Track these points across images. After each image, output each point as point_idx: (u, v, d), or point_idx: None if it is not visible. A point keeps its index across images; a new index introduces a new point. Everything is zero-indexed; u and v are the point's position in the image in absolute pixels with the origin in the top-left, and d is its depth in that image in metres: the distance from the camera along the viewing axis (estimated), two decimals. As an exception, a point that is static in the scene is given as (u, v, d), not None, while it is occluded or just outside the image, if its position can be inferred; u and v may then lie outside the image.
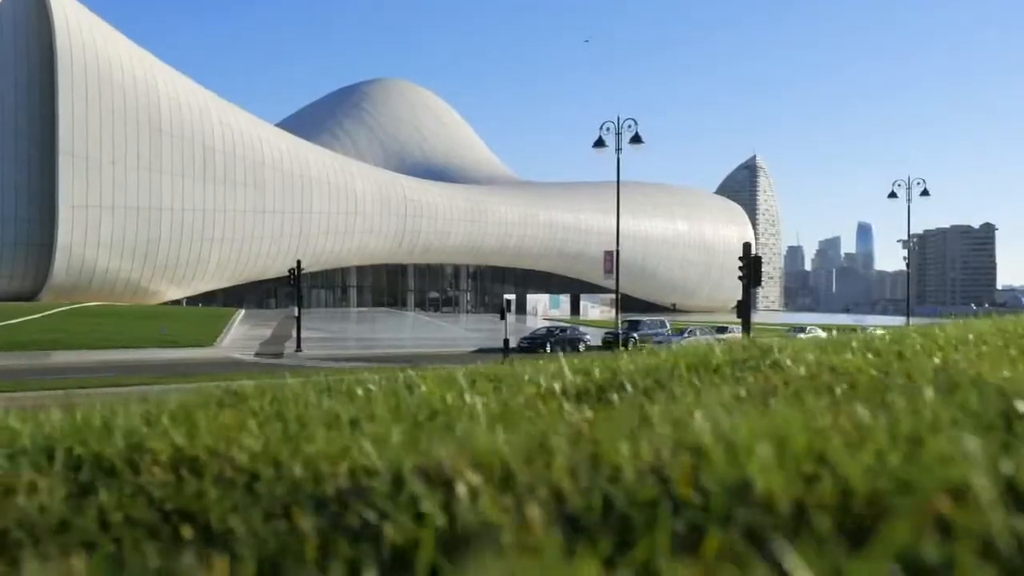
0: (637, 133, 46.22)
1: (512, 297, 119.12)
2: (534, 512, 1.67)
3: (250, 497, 2.05)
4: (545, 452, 2.07)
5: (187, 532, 1.91)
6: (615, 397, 3.36)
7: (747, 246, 37.17)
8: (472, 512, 1.74)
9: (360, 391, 3.99)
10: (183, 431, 2.71)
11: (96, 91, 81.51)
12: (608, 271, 49.78)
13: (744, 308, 36.39)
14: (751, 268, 35.70)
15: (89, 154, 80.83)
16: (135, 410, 3.59)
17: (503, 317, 49.34)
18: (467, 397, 3.46)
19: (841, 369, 3.62)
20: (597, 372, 4.10)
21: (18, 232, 79.25)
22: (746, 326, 35.59)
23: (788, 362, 3.97)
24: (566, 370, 4.19)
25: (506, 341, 46.21)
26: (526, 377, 4.20)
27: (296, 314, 51.71)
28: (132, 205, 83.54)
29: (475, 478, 1.90)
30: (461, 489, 1.84)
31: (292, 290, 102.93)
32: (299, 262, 54.32)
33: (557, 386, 3.67)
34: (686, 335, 55.62)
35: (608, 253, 50.86)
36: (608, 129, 47.00)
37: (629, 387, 3.57)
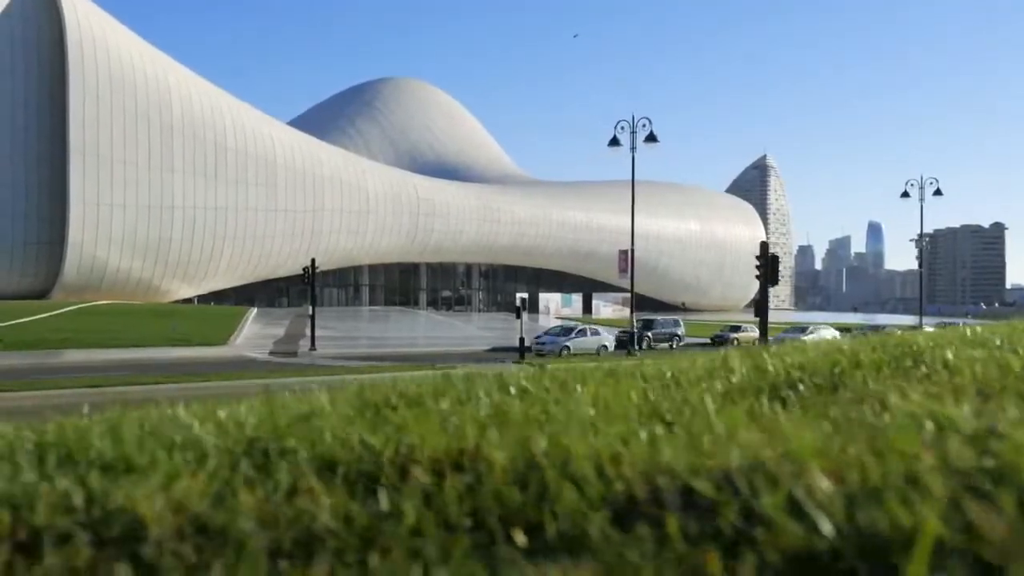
0: (652, 132, 45.99)
1: (524, 296, 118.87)
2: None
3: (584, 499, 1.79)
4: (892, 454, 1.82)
5: (521, 539, 1.64)
6: (792, 396, 3.08)
7: (764, 245, 36.78)
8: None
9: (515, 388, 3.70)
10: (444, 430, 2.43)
11: (107, 89, 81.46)
12: (623, 270, 49.56)
13: (762, 307, 36.02)
14: (768, 267, 35.35)
15: (100, 152, 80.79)
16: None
17: (519, 316, 48.96)
18: (650, 395, 3.19)
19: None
20: (744, 370, 3.81)
21: (28, 230, 79.24)
22: (764, 325, 35.29)
23: (950, 358, 3.69)
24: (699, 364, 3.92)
25: (522, 340, 45.86)
26: (668, 374, 3.93)
27: (310, 313, 51.40)
28: (143, 203, 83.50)
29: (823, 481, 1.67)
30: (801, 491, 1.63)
31: (304, 288, 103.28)
32: (313, 260, 54.12)
33: (720, 385, 3.39)
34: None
35: (623, 252, 50.62)
36: (623, 128, 46.79)
37: (801, 386, 3.28)
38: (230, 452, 2.41)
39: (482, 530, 1.70)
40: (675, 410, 2.79)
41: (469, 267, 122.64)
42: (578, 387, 3.63)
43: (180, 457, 2.34)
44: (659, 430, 2.29)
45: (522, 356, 43.35)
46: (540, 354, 45.91)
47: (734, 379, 3.56)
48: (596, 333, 53.69)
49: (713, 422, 2.38)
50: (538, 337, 53.61)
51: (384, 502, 1.84)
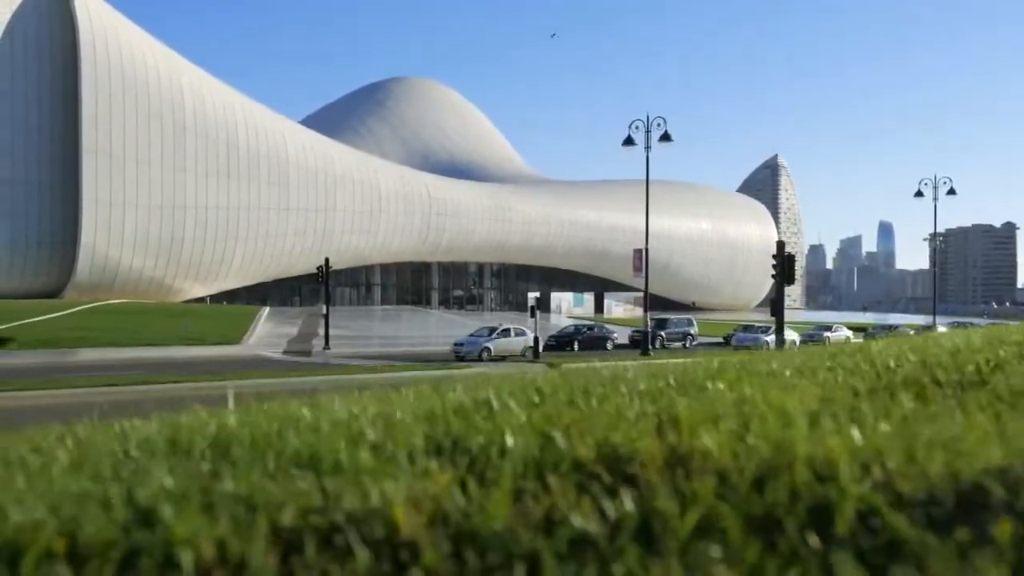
0: (667, 131, 45.82)
1: (536, 295, 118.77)
2: None
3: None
4: None
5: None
6: (937, 393, 2.96)
7: (780, 244, 36.61)
8: None
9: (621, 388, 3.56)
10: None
11: (120, 88, 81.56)
12: (638, 269, 49.34)
13: (778, 306, 35.83)
14: (785, 266, 35.16)
15: (113, 152, 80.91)
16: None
17: (533, 315, 48.72)
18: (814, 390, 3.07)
19: None
20: (867, 366, 3.68)
21: (41, 230, 79.40)
22: (780, 325, 35.09)
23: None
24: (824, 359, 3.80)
25: (536, 339, 45.69)
26: (787, 372, 3.81)
27: (324, 312, 51.30)
28: (156, 203, 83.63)
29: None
30: None
31: (316, 288, 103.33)
32: (327, 259, 54.01)
33: (859, 383, 3.27)
34: (833, 331, 57.33)
35: (637, 251, 50.40)
36: (637, 127, 46.63)
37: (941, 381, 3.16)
38: (438, 448, 2.29)
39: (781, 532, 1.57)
40: (873, 406, 2.66)
41: (481, 266, 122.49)
42: (709, 384, 3.48)
43: (392, 455, 2.20)
44: (884, 426, 2.17)
45: (536, 355, 43.20)
46: (459, 357, 42.61)
47: (871, 373, 3.43)
48: (522, 333, 47.81)
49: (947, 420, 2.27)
50: (550, 336, 53.35)
51: (647, 502, 1.70)
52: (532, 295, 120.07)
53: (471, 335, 48.25)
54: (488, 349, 44.22)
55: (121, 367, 36.09)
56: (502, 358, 43.88)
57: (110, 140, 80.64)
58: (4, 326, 48.85)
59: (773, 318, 37.83)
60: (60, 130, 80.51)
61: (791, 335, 56.65)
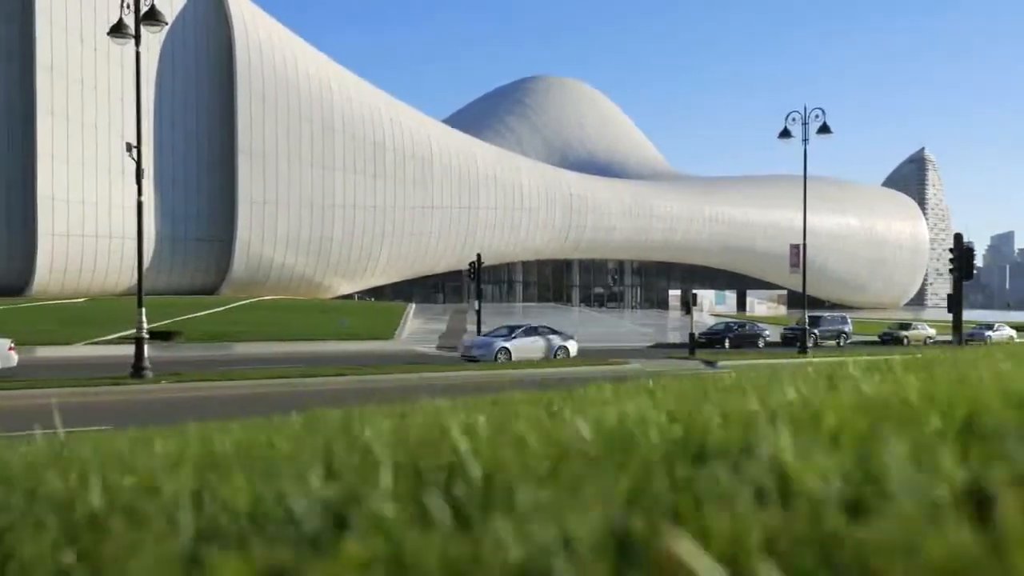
0: (825, 123, 44.32)
1: (677, 292, 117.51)
2: None
3: None
4: None
5: None
6: None
7: (958, 237, 34.89)
8: None
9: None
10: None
11: (272, 91, 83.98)
12: (794, 265, 47.94)
13: (956, 303, 34.13)
14: (963, 261, 33.44)
15: (266, 152, 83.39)
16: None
17: (688, 311, 47.72)
18: None
19: None
20: None
21: (200, 228, 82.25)
22: (958, 322, 33.40)
23: None
24: None
25: (692, 335, 44.81)
26: None
27: (476, 308, 51.47)
28: (306, 202, 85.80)
29: None
30: None
31: (459, 285, 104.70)
32: (479, 256, 54.08)
33: None
34: (995, 330, 55.35)
35: (794, 247, 49.02)
36: (794, 119, 45.22)
37: None
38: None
39: None
40: None
41: (621, 263, 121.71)
42: None
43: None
44: None
45: (692, 352, 42.36)
46: (471, 359, 36.77)
47: None
48: (552, 333, 40.76)
49: None
50: (701, 334, 51.35)
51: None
52: (673, 292, 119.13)
53: (487, 334, 41.93)
54: (507, 351, 37.57)
55: (283, 361, 36.80)
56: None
57: (263, 141, 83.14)
58: (169, 321, 50.62)
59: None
60: (217, 132, 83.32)
61: (1006, 331, 54.65)
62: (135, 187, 26.48)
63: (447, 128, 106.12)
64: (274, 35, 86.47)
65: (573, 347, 40.13)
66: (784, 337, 56.04)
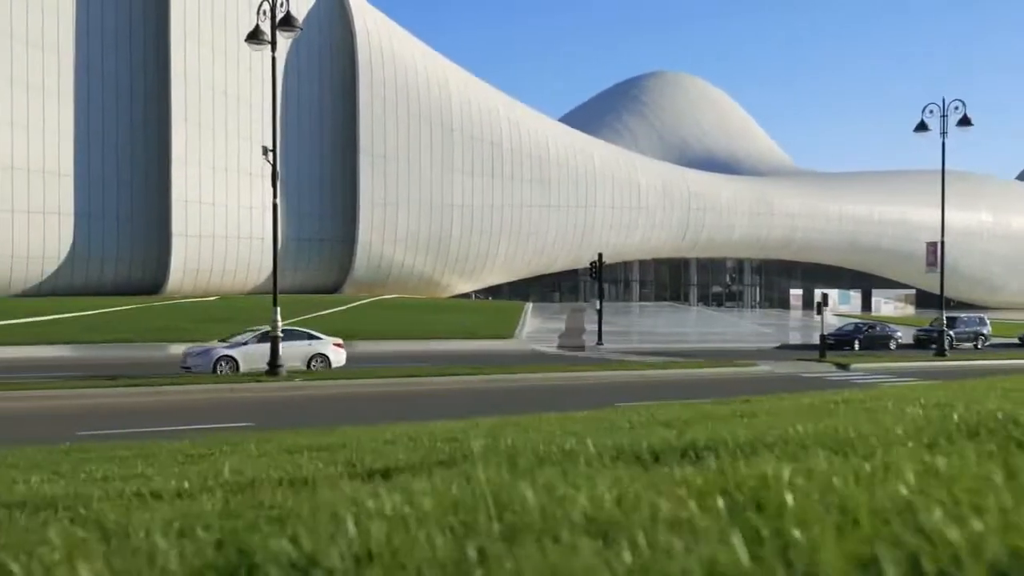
0: (965, 115, 42.91)
1: (798, 292, 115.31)
2: None
3: None
4: None
5: None
6: None
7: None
8: None
9: None
10: None
11: (393, 92, 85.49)
12: (931, 264, 46.57)
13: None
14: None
15: (387, 154, 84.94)
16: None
17: (819, 312, 46.43)
18: None
19: None
20: None
21: (323, 228, 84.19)
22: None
23: None
24: None
25: (823, 337, 43.75)
26: None
27: (597, 307, 51.38)
28: (425, 202, 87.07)
29: None
30: None
31: (575, 284, 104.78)
32: (600, 255, 53.93)
33: None
34: None
35: (931, 245, 47.65)
36: (932, 112, 43.91)
37: None
38: None
39: None
40: None
41: (740, 262, 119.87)
42: None
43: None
44: None
45: (823, 354, 41.44)
46: (186, 369, 29.98)
47: None
48: (303, 338, 33.08)
49: None
50: (829, 335, 49.67)
51: None
52: (794, 291, 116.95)
53: (218, 342, 32.70)
54: (231, 360, 30.37)
55: (406, 359, 37.39)
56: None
57: (384, 142, 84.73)
58: (296, 319, 51.94)
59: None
60: (339, 134, 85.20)
61: None
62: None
63: (564, 127, 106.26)
64: (394, 37, 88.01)
65: (337, 355, 32.80)
66: (917, 339, 54.37)
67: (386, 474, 4.14)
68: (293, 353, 30.98)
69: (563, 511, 2.12)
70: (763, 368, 34.23)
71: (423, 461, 4.41)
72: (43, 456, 8.04)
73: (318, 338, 33.31)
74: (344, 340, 45.78)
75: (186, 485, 3.97)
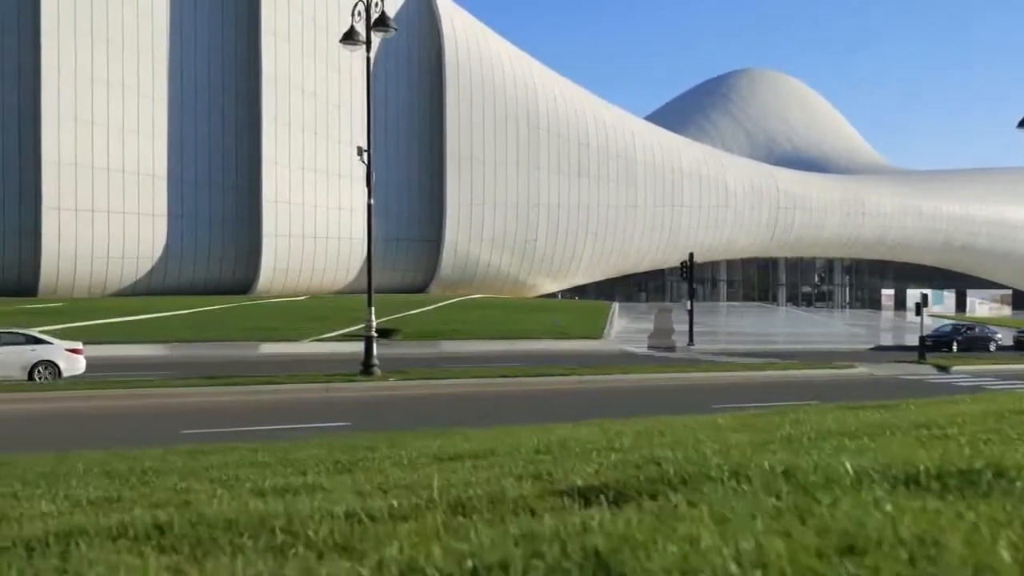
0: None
1: (890, 292, 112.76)
2: None
3: None
4: None
5: None
6: None
7: None
8: None
9: None
10: None
11: (480, 93, 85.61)
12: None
13: None
14: None
15: (473, 154, 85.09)
16: None
17: (919, 313, 44.94)
18: None
19: None
20: None
21: (411, 229, 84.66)
22: None
23: None
24: None
25: (922, 339, 42.40)
26: None
27: (688, 308, 50.71)
28: (512, 202, 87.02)
29: None
30: None
31: (661, 284, 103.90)
32: (691, 255, 53.24)
33: None
34: None
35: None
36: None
37: None
38: None
39: None
40: None
41: (830, 262, 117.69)
42: None
43: None
44: None
45: (922, 356, 40.18)
46: None
47: None
48: (36, 343, 27.32)
49: None
50: (926, 336, 48.43)
51: None
52: (885, 291, 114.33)
53: None
54: None
55: (496, 359, 37.20)
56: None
57: (471, 143, 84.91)
58: (386, 318, 52.23)
59: None
60: (426, 134, 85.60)
61: None
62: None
63: (650, 125, 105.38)
64: (481, 37, 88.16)
65: (72, 363, 27.37)
66: (1017, 341, 52.63)
67: (601, 495, 3.73)
68: (4, 361, 26.41)
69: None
70: (861, 370, 33.26)
71: (626, 479, 4.07)
72: (181, 460, 7.92)
73: (44, 342, 27.58)
74: (429, 339, 46.01)
75: (395, 504, 3.64)
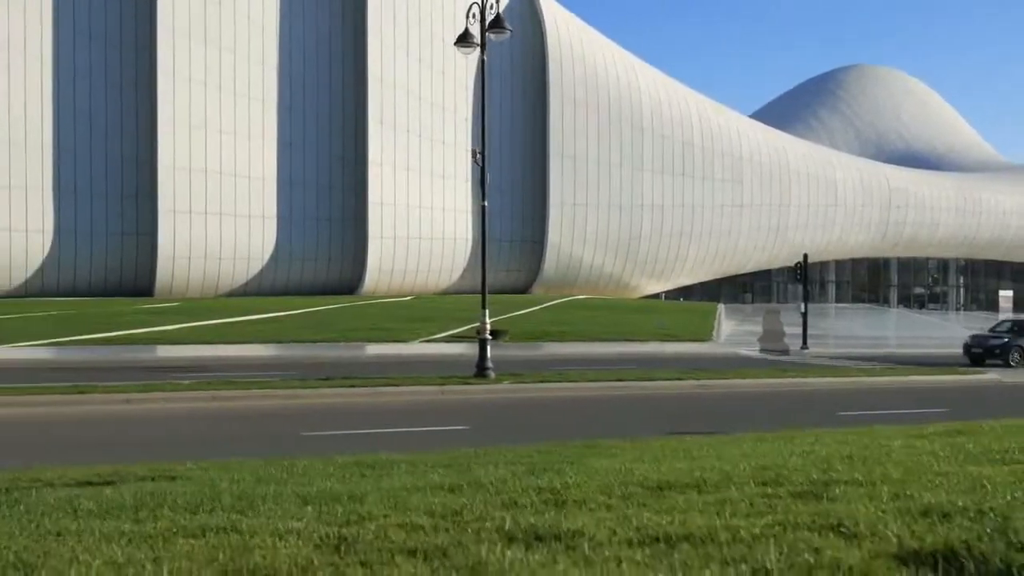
0: None
1: (1008, 293, 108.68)
2: None
3: None
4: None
5: None
6: None
7: None
8: None
9: None
10: None
11: (583, 93, 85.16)
12: None
13: None
14: None
15: (576, 155, 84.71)
16: None
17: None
18: None
19: None
20: None
21: (514, 229, 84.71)
22: None
23: None
24: None
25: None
26: None
27: (802, 310, 49.53)
28: (615, 202, 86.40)
29: None
30: None
31: (767, 284, 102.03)
32: (805, 256, 52.09)
33: None
34: None
35: None
36: None
37: None
38: None
39: None
40: None
41: (944, 262, 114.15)
42: None
43: None
44: None
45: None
46: None
47: None
48: None
49: None
50: None
51: None
52: (1003, 293, 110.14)
53: None
54: None
55: (605, 361, 36.84)
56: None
57: (574, 144, 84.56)
58: (493, 319, 52.16)
59: None
60: (529, 135, 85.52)
61: None
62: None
63: (756, 123, 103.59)
64: (583, 36, 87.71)
65: None
66: None
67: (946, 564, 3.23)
68: None
69: None
70: (991, 376, 31.95)
71: (952, 540, 3.60)
72: (367, 483, 7.62)
73: None
74: (535, 340, 45.82)
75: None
